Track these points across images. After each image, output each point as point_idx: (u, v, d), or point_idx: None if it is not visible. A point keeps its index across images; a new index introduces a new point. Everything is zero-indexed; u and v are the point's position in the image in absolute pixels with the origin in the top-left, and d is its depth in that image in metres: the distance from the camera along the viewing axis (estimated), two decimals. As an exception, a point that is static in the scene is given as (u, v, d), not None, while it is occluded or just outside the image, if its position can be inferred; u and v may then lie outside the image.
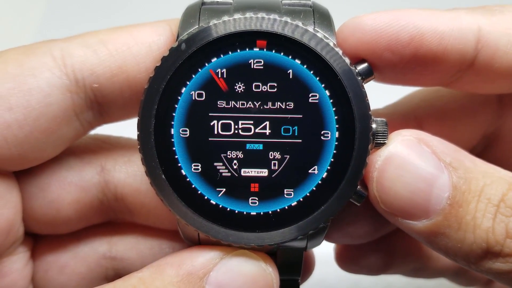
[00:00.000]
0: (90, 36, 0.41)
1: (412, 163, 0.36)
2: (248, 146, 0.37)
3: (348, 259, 0.54)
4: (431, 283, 0.68)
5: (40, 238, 0.47)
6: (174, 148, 0.37)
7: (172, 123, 0.37)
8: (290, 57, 0.37)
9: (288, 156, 0.37)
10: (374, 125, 0.37)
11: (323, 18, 0.38)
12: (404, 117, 0.47)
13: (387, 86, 0.44)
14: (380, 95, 0.49)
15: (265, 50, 0.37)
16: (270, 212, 0.38)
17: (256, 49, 0.37)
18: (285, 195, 0.38)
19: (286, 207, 0.38)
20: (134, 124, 0.40)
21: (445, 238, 0.36)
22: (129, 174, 0.44)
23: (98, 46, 0.40)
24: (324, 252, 0.53)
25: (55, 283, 0.46)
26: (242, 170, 0.38)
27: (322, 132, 0.37)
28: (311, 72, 0.37)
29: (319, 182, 0.37)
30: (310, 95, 0.37)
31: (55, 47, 0.40)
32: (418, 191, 0.36)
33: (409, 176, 0.36)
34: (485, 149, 0.50)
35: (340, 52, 0.37)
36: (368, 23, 0.38)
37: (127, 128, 0.47)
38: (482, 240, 0.34)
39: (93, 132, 0.45)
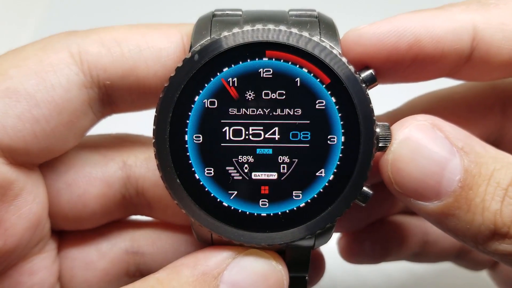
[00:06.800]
0: (105, 33, 0.43)
1: (426, 146, 0.37)
2: (258, 151, 0.39)
3: (350, 251, 0.56)
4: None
5: (65, 236, 0.49)
6: (188, 154, 0.39)
7: (186, 130, 0.39)
8: (297, 65, 0.39)
9: (296, 160, 0.39)
10: (378, 129, 0.39)
11: (328, 28, 0.40)
12: None
13: (389, 91, 0.46)
14: (383, 99, 0.51)
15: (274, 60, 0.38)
16: (279, 213, 0.39)
17: (265, 59, 0.38)
18: (293, 197, 0.39)
19: (295, 208, 0.39)
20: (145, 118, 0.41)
21: (454, 219, 0.37)
22: (149, 169, 0.47)
23: (112, 45, 0.42)
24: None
25: (80, 279, 0.48)
26: (253, 173, 0.39)
27: (328, 137, 0.39)
28: (318, 80, 0.39)
29: (326, 184, 0.39)
30: (317, 102, 0.39)
31: (72, 43, 0.42)
32: (430, 173, 0.37)
33: (422, 159, 0.37)
34: None
35: (345, 60, 0.39)
36: (367, 36, 0.40)
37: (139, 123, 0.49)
38: (490, 222, 0.36)
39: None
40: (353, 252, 0.56)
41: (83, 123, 0.44)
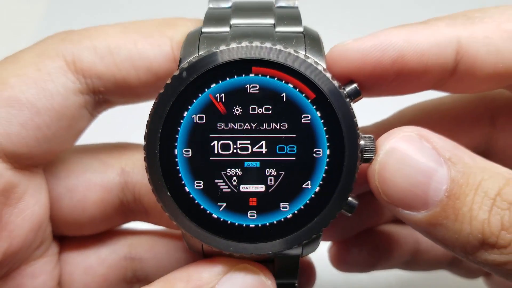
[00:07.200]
0: (99, 39, 0.44)
1: (412, 157, 0.38)
2: (246, 164, 0.40)
3: (340, 259, 0.57)
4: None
5: (65, 242, 0.51)
6: (178, 168, 0.40)
7: (176, 144, 0.40)
8: (283, 81, 0.40)
9: (283, 173, 0.40)
10: (362, 142, 0.40)
11: (313, 43, 0.41)
12: None
13: (379, 101, 0.47)
14: (372, 109, 0.52)
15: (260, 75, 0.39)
16: (267, 224, 0.41)
17: (251, 75, 0.40)
18: (281, 208, 0.41)
19: (282, 219, 0.41)
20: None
21: (443, 229, 0.37)
22: (145, 176, 0.48)
23: (105, 54, 0.44)
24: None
25: (79, 284, 0.50)
26: (241, 186, 0.41)
27: (314, 150, 0.40)
28: (303, 95, 0.40)
29: (312, 196, 0.40)
30: (302, 116, 0.40)
31: (67, 50, 0.44)
32: (417, 183, 0.37)
33: (408, 169, 0.38)
34: None
35: (329, 76, 0.39)
36: (352, 51, 0.40)
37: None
38: (478, 231, 0.36)
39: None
40: (343, 260, 0.57)
41: (80, 124, 0.46)
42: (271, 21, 0.43)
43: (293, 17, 0.44)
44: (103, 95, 0.45)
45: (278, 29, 0.42)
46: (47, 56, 0.43)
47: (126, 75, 0.44)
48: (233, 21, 0.43)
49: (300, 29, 0.42)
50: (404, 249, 0.57)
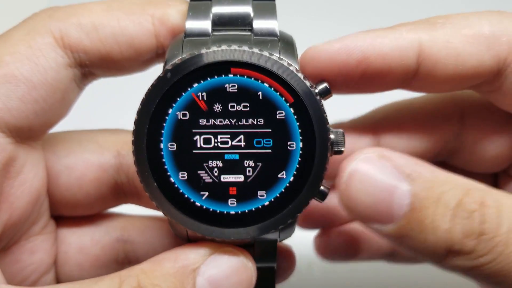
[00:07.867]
0: (84, 16, 0.47)
1: (373, 176, 0.41)
2: (226, 156, 0.44)
3: (322, 249, 0.61)
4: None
5: (61, 222, 0.54)
6: (163, 160, 0.44)
7: (161, 139, 0.43)
8: (259, 81, 0.43)
9: (260, 164, 0.44)
10: (332, 136, 0.44)
11: (287, 46, 0.45)
12: (364, 130, 0.54)
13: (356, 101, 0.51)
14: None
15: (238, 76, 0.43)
16: (246, 211, 0.44)
17: (230, 75, 0.43)
18: (258, 196, 0.44)
19: (260, 207, 0.44)
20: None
21: (410, 239, 0.40)
22: None
23: (90, 30, 0.46)
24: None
25: (73, 263, 0.53)
26: (222, 176, 0.44)
27: (288, 143, 0.44)
28: (278, 93, 0.43)
29: (287, 185, 0.44)
30: (277, 113, 0.44)
31: (54, 27, 0.46)
32: (380, 200, 0.41)
33: (371, 188, 0.41)
34: (444, 161, 0.56)
35: (302, 76, 0.43)
36: (321, 53, 0.44)
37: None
38: (442, 240, 0.39)
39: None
40: (326, 250, 0.60)
41: (71, 96, 0.49)
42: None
43: (268, 26, 0.46)
44: (89, 68, 0.48)
45: (255, 35, 0.46)
46: (37, 33, 0.46)
47: (110, 50, 0.47)
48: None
49: (275, 31, 0.46)
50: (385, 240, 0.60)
